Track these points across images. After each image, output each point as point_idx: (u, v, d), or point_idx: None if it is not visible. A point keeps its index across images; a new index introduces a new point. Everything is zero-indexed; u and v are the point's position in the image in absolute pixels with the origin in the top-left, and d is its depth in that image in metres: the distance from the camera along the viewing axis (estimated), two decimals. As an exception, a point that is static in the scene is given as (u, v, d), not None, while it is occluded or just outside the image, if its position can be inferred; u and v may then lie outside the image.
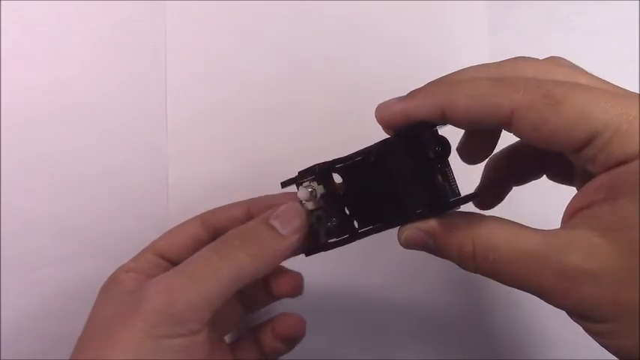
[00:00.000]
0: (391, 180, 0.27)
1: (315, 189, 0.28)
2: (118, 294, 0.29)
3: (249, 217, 0.31)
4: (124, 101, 0.41)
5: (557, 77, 0.24)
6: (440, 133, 0.27)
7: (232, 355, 0.33)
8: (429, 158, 0.26)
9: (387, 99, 0.27)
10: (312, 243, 0.29)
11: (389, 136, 0.27)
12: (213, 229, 0.32)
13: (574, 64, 0.26)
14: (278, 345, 0.34)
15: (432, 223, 0.26)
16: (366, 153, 0.28)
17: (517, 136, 0.24)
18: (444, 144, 0.26)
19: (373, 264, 0.43)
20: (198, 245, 0.31)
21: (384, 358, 0.43)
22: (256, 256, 0.27)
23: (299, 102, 0.42)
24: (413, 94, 0.26)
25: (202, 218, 0.32)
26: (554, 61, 0.26)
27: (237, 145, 0.42)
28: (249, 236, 0.27)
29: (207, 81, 0.42)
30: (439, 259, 0.27)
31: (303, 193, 0.28)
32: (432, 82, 0.26)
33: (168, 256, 0.31)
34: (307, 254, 0.30)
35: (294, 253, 0.30)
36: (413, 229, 0.26)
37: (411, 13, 0.44)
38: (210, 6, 0.42)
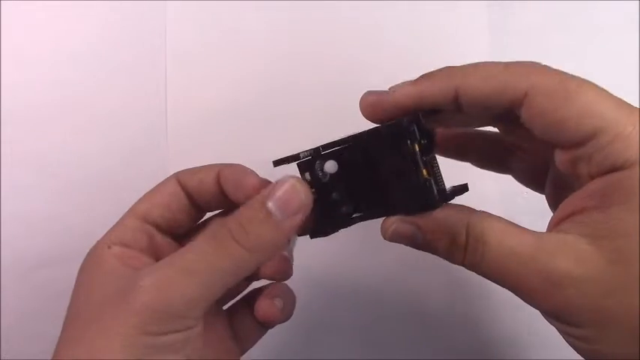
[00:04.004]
0: (379, 170, 0.26)
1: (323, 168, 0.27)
2: (104, 277, 0.27)
3: (218, 183, 0.30)
4: (124, 101, 0.41)
5: None
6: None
7: (229, 322, 0.32)
8: (414, 152, 0.25)
9: (397, 83, 0.26)
10: (317, 223, 0.28)
11: (378, 125, 0.26)
12: (186, 189, 0.31)
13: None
14: (273, 311, 0.31)
15: (424, 217, 0.25)
16: (355, 140, 0.27)
17: (523, 119, 0.24)
18: (430, 137, 0.25)
19: (371, 260, 0.43)
20: (178, 203, 0.30)
21: (383, 358, 0.43)
22: (254, 248, 0.25)
23: (299, 102, 0.42)
24: (427, 76, 0.26)
25: (177, 177, 0.31)
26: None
27: (237, 145, 0.42)
28: (245, 227, 0.25)
29: (206, 81, 0.42)
30: (435, 258, 0.26)
31: (330, 165, 0.27)
32: (445, 67, 0.26)
33: (150, 218, 0.30)
34: (312, 236, 0.28)
35: (299, 234, 0.28)
36: (400, 222, 0.26)
37: (411, 13, 0.44)
38: (210, 6, 0.42)
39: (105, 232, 0.30)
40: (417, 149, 0.25)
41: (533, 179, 0.29)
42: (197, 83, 0.42)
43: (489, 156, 0.31)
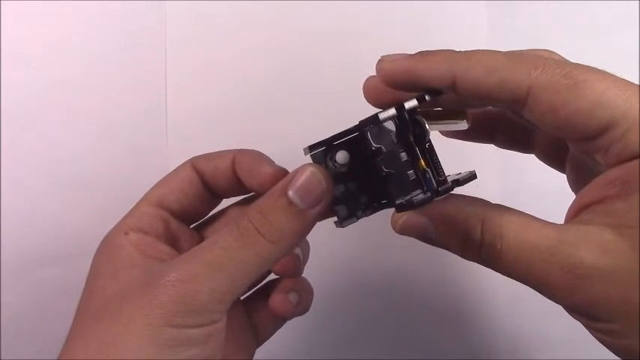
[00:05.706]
0: (380, 161, 0.25)
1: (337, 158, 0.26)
2: (123, 266, 0.26)
3: (233, 169, 0.30)
4: (124, 101, 0.41)
5: None
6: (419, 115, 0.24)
7: (246, 314, 0.31)
8: (409, 142, 0.24)
9: (392, 53, 0.25)
10: (337, 212, 0.27)
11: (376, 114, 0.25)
12: (201, 175, 0.30)
13: (565, 59, 0.25)
14: (287, 305, 0.31)
15: (435, 208, 0.24)
16: (357, 129, 0.26)
17: (528, 117, 0.23)
18: (421, 126, 0.24)
19: (377, 257, 0.43)
20: (194, 189, 0.30)
21: (384, 358, 0.43)
22: (278, 240, 0.25)
23: (299, 101, 0.42)
24: (425, 54, 0.24)
25: (193, 162, 0.30)
26: (549, 54, 0.25)
27: (238, 144, 0.42)
28: (267, 217, 0.25)
29: (207, 81, 0.42)
30: (436, 257, 0.26)
31: (341, 155, 0.26)
32: (445, 49, 0.25)
33: (165, 204, 0.30)
34: (340, 225, 0.27)
35: (321, 219, 0.27)
36: (412, 214, 0.25)
37: (411, 13, 0.44)
38: (210, 6, 0.42)
39: (104, 231, 0.29)
40: (412, 139, 0.24)
41: (554, 158, 0.28)
42: (197, 83, 0.42)
43: (513, 136, 0.29)
